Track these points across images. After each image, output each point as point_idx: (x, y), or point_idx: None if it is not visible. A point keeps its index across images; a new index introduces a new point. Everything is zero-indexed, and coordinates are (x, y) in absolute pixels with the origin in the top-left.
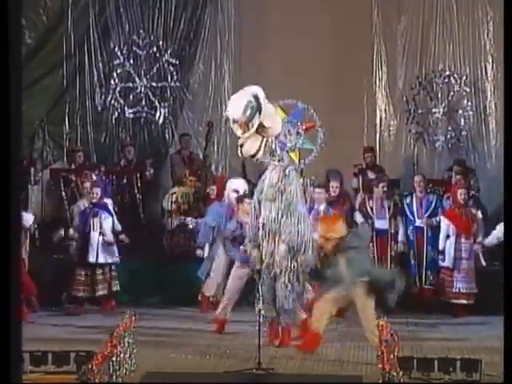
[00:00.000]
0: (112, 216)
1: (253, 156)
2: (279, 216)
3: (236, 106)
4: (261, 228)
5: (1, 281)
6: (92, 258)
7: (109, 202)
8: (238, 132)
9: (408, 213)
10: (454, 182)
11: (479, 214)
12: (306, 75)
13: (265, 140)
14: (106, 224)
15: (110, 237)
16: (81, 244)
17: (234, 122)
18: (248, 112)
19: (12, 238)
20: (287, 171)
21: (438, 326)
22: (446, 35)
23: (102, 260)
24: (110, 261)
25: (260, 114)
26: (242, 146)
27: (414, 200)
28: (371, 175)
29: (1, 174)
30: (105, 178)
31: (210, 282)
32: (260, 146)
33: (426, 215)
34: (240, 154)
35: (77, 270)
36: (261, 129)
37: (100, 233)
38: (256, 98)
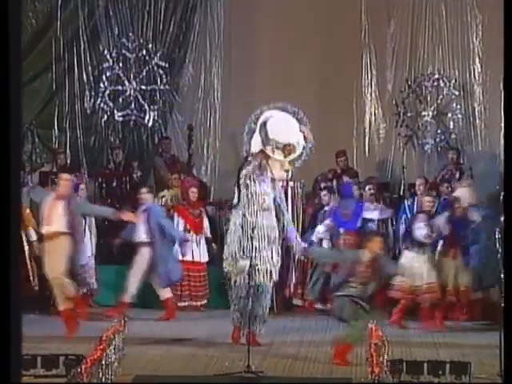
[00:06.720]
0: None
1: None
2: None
3: (288, 129)
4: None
5: (1, 281)
6: None
7: None
8: (281, 156)
9: (409, 215)
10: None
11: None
12: (295, 78)
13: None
14: None
15: None
16: None
17: (278, 146)
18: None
19: (12, 238)
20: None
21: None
22: (435, 39)
23: None
24: None
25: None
26: (287, 170)
27: (416, 203)
28: (346, 179)
29: (1, 174)
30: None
31: None
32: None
33: None
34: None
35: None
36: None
37: None
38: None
